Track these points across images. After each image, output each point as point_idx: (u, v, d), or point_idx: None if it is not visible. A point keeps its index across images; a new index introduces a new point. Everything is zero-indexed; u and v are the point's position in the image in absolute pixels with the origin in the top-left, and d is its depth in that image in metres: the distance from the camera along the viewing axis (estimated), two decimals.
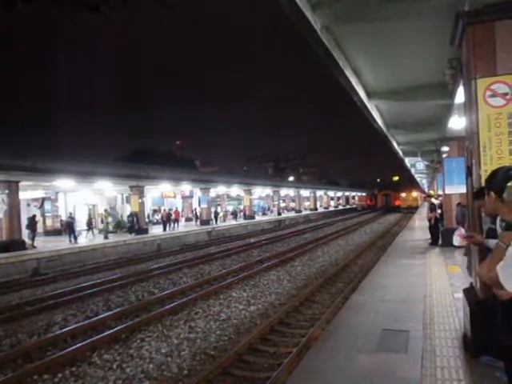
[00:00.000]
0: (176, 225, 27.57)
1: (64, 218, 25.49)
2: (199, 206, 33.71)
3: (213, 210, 33.80)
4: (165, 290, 11.20)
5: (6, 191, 17.59)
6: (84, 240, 21.61)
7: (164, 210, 28.29)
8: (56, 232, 25.77)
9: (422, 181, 49.78)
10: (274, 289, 11.09)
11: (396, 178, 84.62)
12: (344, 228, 30.59)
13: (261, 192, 47.23)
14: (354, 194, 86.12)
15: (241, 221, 36.61)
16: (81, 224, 26.19)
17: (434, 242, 14.13)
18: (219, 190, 36.88)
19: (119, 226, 26.75)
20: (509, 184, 1.82)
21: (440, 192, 18.48)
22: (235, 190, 40.39)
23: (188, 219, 35.56)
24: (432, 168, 25.31)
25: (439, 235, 14.30)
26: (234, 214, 39.33)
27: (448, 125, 12.21)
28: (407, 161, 30.04)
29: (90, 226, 23.22)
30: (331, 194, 73.08)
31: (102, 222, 24.33)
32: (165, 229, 26.12)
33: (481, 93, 4.44)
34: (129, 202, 27.88)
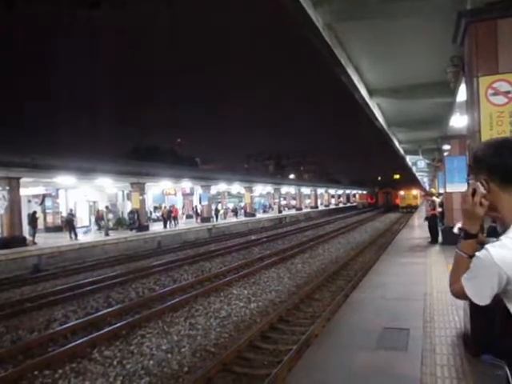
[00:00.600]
0: (174, 222, 27.56)
1: (65, 214, 25.51)
2: (200, 203, 33.72)
3: (213, 207, 33.81)
4: (165, 287, 11.21)
5: (7, 187, 17.60)
6: (91, 237, 21.63)
7: (164, 207, 28.29)
8: (57, 228, 25.79)
9: (423, 179, 49.73)
10: (275, 286, 11.10)
11: (397, 176, 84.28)
12: (344, 226, 30.59)
13: (262, 189, 47.24)
14: (354, 192, 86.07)
15: (241, 218, 36.63)
16: (81, 221, 26.29)
17: (433, 241, 14.13)
18: (220, 187, 36.88)
19: (120, 222, 26.78)
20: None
21: (441, 190, 18.46)
22: (236, 188, 40.41)
23: (189, 216, 35.57)
24: (433, 166, 25.30)
25: (439, 233, 14.32)
26: (235, 212, 39.35)
27: (449, 123, 12.21)
28: (408, 159, 30.04)
29: (99, 222, 23.27)
30: (332, 191, 73.09)
31: (103, 218, 24.35)
32: (165, 226, 26.13)
33: (483, 91, 4.43)
34: (129, 198, 27.91)
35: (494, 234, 2.51)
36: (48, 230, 25.94)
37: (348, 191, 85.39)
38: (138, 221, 24.28)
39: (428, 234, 14.59)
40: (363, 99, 11.69)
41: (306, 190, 57.19)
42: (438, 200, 15.82)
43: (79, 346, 6.74)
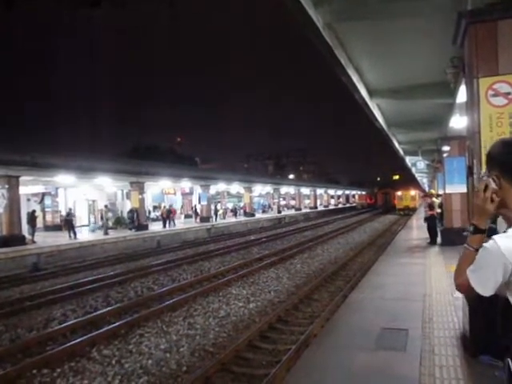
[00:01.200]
0: (172, 222, 27.49)
1: (64, 213, 25.52)
2: (199, 202, 33.72)
3: (213, 207, 33.81)
4: (164, 287, 11.21)
5: (6, 186, 17.59)
6: (91, 236, 21.62)
7: (164, 207, 28.28)
8: (56, 227, 25.77)
9: (423, 180, 49.71)
10: (274, 286, 11.10)
11: (396, 177, 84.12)
12: (344, 226, 30.59)
13: (261, 189, 47.24)
14: (354, 192, 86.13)
15: (241, 218, 36.62)
16: (80, 220, 26.27)
17: (432, 241, 14.15)
18: (219, 187, 36.88)
19: (119, 222, 26.77)
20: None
21: (440, 191, 18.48)
22: (235, 188, 40.40)
23: (188, 216, 35.56)
24: (433, 167, 25.32)
25: (438, 234, 14.33)
26: (234, 212, 39.34)
27: (449, 124, 12.22)
28: (408, 160, 30.07)
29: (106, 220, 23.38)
30: (331, 192, 73.11)
31: (102, 217, 24.35)
32: (165, 225, 26.12)
33: (483, 92, 4.44)
34: (129, 198, 27.90)
35: (493, 235, 2.50)
36: (47, 228, 25.94)
37: (347, 192, 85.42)
38: (137, 220, 24.29)
39: (427, 235, 14.60)
40: (363, 99, 11.70)
41: (305, 191, 57.19)
42: (437, 201, 15.84)
43: (78, 344, 6.74)
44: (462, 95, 7.93)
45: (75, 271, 14.61)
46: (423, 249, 13.38)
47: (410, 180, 57.17)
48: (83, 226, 26.86)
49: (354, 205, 76.68)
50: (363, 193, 77.75)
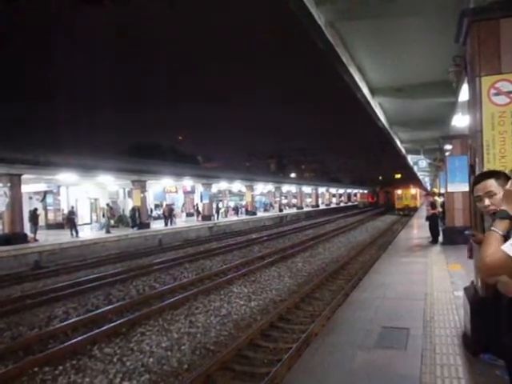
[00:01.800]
0: (172, 220, 27.48)
1: (66, 211, 25.56)
2: (201, 201, 33.74)
3: (214, 205, 33.82)
4: (166, 285, 11.23)
5: (8, 184, 17.63)
6: (92, 234, 21.66)
7: (166, 206, 28.31)
8: (58, 225, 25.82)
9: (425, 179, 49.62)
10: (275, 285, 11.11)
11: (398, 176, 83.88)
12: (345, 225, 30.56)
13: (263, 188, 47.24)
14: (355, 191, 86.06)
15: (242, 217, 36.64)
16: (82, 218, 26.30)
17: (434, 240, 14.14)
18: (221, 185, 36.89)
19: (121, 220, 26.81)
20: None
21: (442, 190, 18.45)
22: (237, 186, 40.41)
23: (189, 214, 35.59)
24: (435, 166, 25.29)
25: (440, 233, 14.32)
26: (236, 210, 39.36)
27: (451, 123, 12.20)
28: (410, 158, 30.03)
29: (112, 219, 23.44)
30: (333, 191, 73.06)
31: (104, 216, 24.38)
32: (166, 224, 26.15)
33: (485, 91, 4.41)
34: (131, 196, 27.93)
35: None
36: (49, 226, 25.99)
37: (349, 190, 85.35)
38: (139, 218, 24.31)
39: (429, 234, 14.59)
40: (365, 98, 11.68)
41: (307, 189, 57.16)
42: (439, 200, 15.81)
43: (79, 342, 6.76)
44: (464, 94, 7.91)
45: (77, 269, 14.65)
46: (425, 248, 13.37)
47: (411, 178, 56.76)
48: (85, 224, 26.91)
49: (356, 203, 76.60)
50: (365, 191, 77.66)
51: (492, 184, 2.05)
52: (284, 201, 55.99)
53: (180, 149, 62.79)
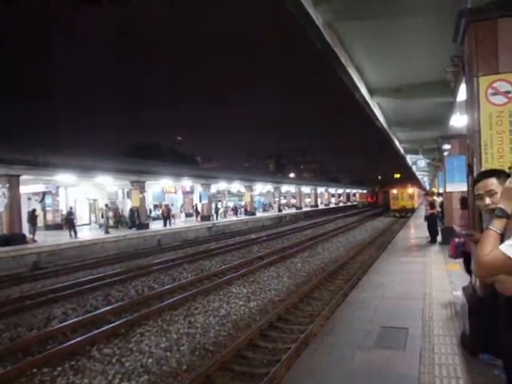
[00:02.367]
0: (170, 221, 27.45)
1: (65, 212, 25.54)
2: (200, 201, 33.74)
3: (213, 205, 33.81)
4: (165, 285, 11.22)
5: (7, 185, 17.62)
6: (91, 235, 21.64)
7: (165, 206, 28.29)
8: (57, 226, 25.80)
9: (424, 179, 49.62)
10: (274, 285, 11.11)
11: (397, 176, 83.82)
12: (344, 225, 30.58)
13: (262, 188, 47.24)
14: (354, 191, 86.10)
15: (241, 217, 36.64)
16: (81, 219, 26.28)
17: (432, 240, 14.15)
18: (220, 185, 36.89)
19: (120, 221, 26.79)
20: None
21: (441, 190, 18.46)
22: (236, 186, 40.40)
23: (188, 215, 35.59)
24: (433, 166, 25.29)
25: (438, 233, 14.33)
26: (235, 210, 39.36)
27: (450, 123, 12.20)
28: (408, 158, 30.03)
29: (117, 219, 23.43)
30: (332, 190, 73.10)
31: (103, 216, 24.37)
32: (165, 224, 26.14)
33: (483, 91, 4.43)
34: (130, 196, 27.91)
35: None
36: (48, 227, 25.94)
37: (348, 190, 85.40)
38: (138, 219, 24.30)
39: (427, 234, 14.61)
40: (364, 98, 11.68)
41: (306, 189, 57.20)
42: (438, 200, 15.83)
43: (78, 343, 6.76)
44: (462, 94, 7.93)
45: (76, 270, 14.63)
46: (423, 247, 13.38)
47: (410, 178, 56.53)
48: (84, 224, 26.88)
49: (355, 203, 76.60)
50: (364, 191, 77.67)
51: (493, 183, 2.06)
52: (283, 201, 56.02)
53: (179, 149, 62.78)
